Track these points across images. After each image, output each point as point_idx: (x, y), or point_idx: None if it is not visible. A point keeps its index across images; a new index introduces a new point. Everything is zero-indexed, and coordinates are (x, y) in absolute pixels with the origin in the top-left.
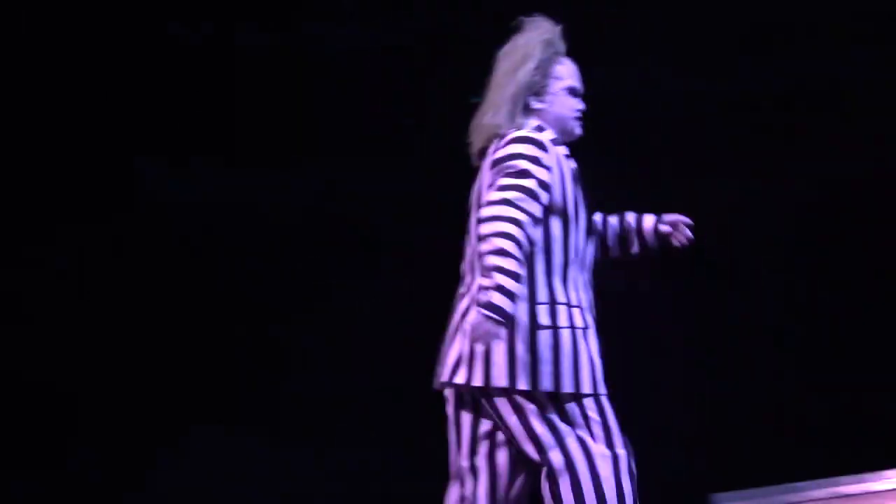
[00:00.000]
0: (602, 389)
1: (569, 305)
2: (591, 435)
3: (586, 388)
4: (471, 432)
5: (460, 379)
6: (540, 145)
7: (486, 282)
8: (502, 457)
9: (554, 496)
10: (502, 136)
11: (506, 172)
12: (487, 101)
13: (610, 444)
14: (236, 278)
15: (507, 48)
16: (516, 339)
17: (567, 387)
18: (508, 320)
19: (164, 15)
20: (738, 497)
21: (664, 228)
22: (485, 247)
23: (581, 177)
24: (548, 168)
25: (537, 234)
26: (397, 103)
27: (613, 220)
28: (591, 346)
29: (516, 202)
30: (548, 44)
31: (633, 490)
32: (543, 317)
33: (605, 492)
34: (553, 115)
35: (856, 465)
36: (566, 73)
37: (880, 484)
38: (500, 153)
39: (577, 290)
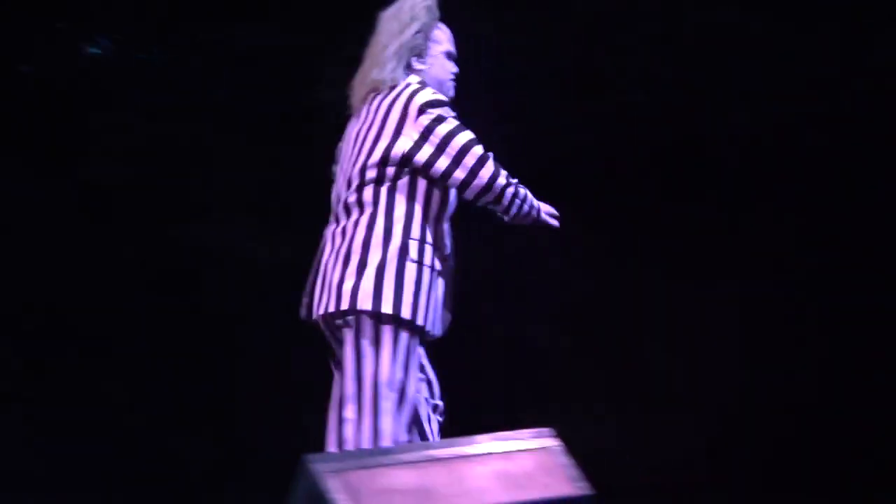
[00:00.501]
0: (438, 332)
1: (434, 246)
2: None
3: (428, 324)
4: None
5: (332, 307)
6: (455, 114)
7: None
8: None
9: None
10: (390, 89)
11: (435, 118)
12: (372, 57)
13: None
14: None
15: (391, 11)
16: (386, 268)
17: (420, 320)
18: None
19: None
20: (332, 458)
21: None
22: (501, 181)
23: None
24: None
25: (428, 177)
26: None
27: None
28: (438, 289)
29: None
30: (429, 9)
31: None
32: (413, 252)
33: (424, 424)
34: (432, 76)
35: None
36: (444, 38)
37: (471, 448)
38: (424, 97)
39: (444, 236)
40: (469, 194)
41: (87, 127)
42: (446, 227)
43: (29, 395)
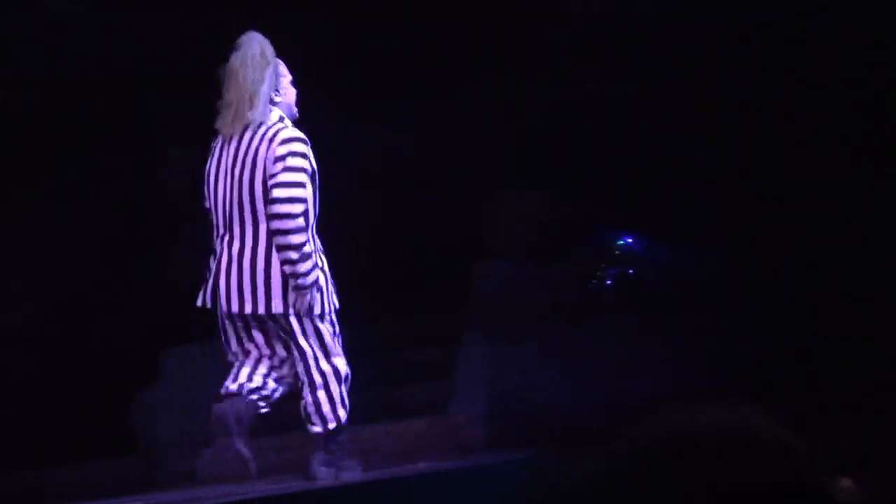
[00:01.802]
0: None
1: (320, 253)
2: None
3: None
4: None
5: (277, 309)
6: (307, 143)
7: (302, 268)
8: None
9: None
10: (259, 125)
11: (293, 168)
12: (243, 99)
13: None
14: None
15: (246, 58)
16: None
17: (328, 310)
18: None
19: None
20: None
21: None
22: (294, 240)
23: None
24: (311, 159)
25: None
26: None
27: None
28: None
29: (301, 199)
30: (272, 51)
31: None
32: (317, 260)
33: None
34: (286, 103)
35: None
36: (285, 70)
37: None
38: (283, 150)
39: (317, 240)
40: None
41: None
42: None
43: None
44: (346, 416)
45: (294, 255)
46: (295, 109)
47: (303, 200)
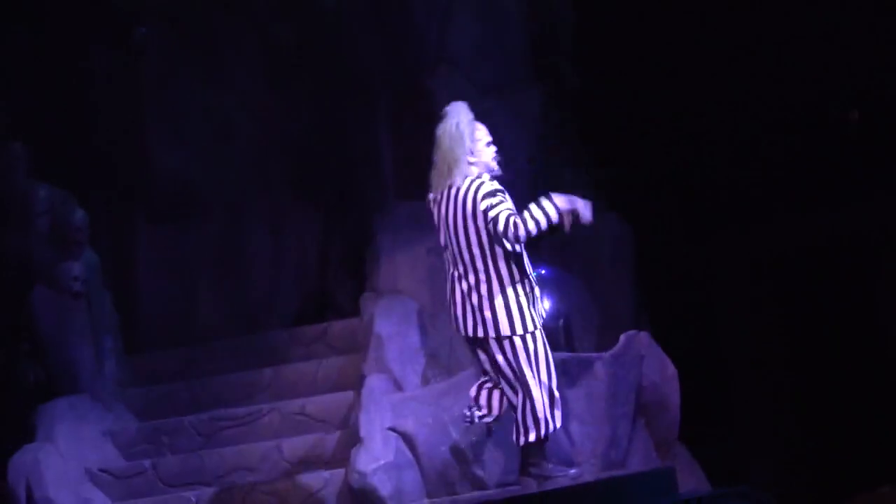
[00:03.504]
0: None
1: (526, 276)
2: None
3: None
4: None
5: (492, 332)
6: (501, 190)
7: (526, 233)
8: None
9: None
10: (461, 186)
11: (494, 201)
12: (443, 165)
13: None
14: None
15: (446, 129)
16: (511, 302)
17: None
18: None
19: None
20: None
21: None
22: (516, 229)
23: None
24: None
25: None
26: None
27: None
28: (537, 302)
29: (497, 203)
30: (470, 120)
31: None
32: (520, 288)
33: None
34: (483, 163)
35: None
36: (482, 133)
37: None
38: (479, 197)
39: (528, 266)
40: (511, 242)
41: None
42: (526, 258)
43: None
44: (545, 430)
45: (518, 236)
46: (493, 164)
47: (501, 202)
